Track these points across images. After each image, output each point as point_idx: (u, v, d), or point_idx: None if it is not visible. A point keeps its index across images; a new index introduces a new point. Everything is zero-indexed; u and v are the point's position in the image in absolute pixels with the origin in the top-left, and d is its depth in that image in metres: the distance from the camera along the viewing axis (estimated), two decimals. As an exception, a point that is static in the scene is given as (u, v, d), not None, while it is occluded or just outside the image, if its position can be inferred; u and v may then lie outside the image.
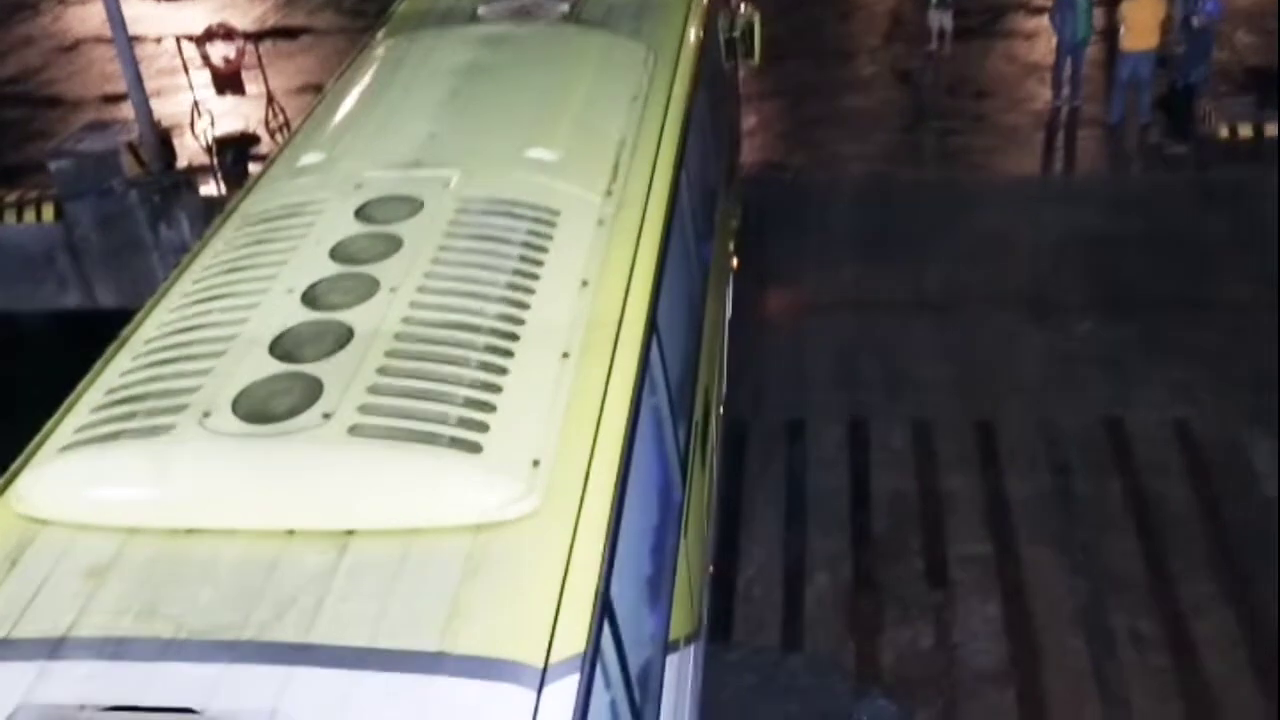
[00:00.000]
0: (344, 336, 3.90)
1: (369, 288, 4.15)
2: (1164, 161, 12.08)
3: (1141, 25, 11.89)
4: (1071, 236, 10.63)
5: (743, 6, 9.13)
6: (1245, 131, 12.11)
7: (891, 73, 14.50)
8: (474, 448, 3.49)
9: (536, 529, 3.39)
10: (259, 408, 3.61)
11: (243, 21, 16.68)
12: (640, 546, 4.15)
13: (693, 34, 6.97)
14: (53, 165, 11.63)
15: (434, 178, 4.85)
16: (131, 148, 11.72)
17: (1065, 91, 12.95)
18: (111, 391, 3.90)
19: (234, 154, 12.47)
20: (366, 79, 6.20)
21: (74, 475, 3.63)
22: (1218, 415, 8.34)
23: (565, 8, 6.78)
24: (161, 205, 11.73)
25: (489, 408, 3.64)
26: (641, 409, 4.05)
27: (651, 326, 4.39)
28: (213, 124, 13.16)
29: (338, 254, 4.40)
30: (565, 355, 3.99)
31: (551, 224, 4.63)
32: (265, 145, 12.93)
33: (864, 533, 7.64)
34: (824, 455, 8.30)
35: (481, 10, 6.88)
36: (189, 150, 12.85)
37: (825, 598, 7.17)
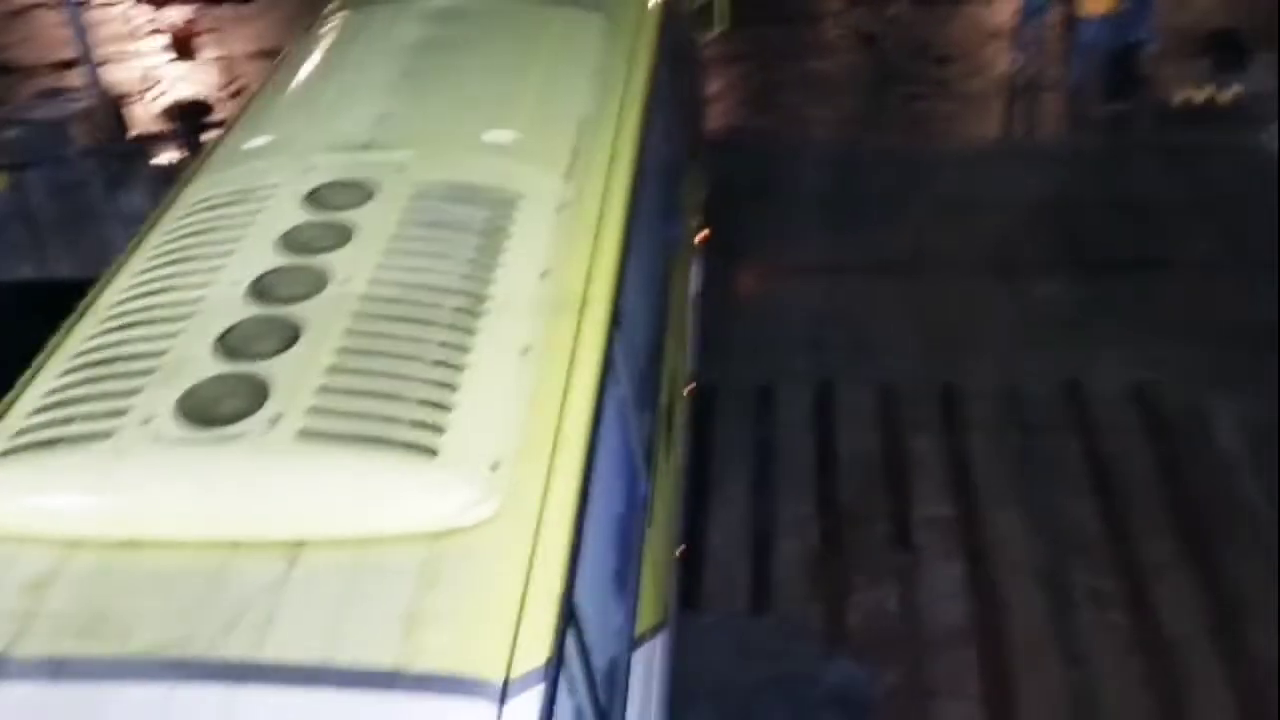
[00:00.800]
0: (292, 333, 3.75)
1: (319, 280, 4.00)
2: (1106, 122, 12.15)
3: (1101, -12, 11.92)
4: (1033, 200, 10.70)
5: None
6: (1202, 95, 12.21)
7: (856, 36, 14.48)
8: (429, 451, 3.37)
9: (496, 535, 3.29)
10: (203, 411, 3.47)
11: (196, -15, 16.34)
12: (604, 545, 4.07)
13: (655, 2, 6.87)
14: (3, 134, 11.40)
15: (387, 161, 4.69)
16: (85, 115, 11.51)
17: (1028, 56, 12.96)
18: (49, 394, 3.74)
19: (190, 121, 12.26)
20: (317, 56, 6.01)
21: (11, 485, 3.48)
22: (1178, 377, 8.46)
23: None
24: (116, 173, 11.54)
25: (445, 408, 3.52)
26: (605, 402, 3.97)
27: (614, 315, 4.29)
28: (166, 91, 12.93)
29: (286, 244, 4.23)
30: (525, 350, 3.87)
31: (509, 210, 4.49)
32: (220, 112, 12.73)
33: (830, 497, 7.71)
34: (791, 419, 8.35)
35: None
36: (143, 118, 12.62)
37: (792, 561, 7.23)
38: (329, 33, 6.31)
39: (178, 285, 4.11)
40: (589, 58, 5.83)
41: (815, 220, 10.59)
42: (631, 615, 4.36)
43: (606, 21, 6.25)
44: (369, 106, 5.16)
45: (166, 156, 11.83)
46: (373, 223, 4.29)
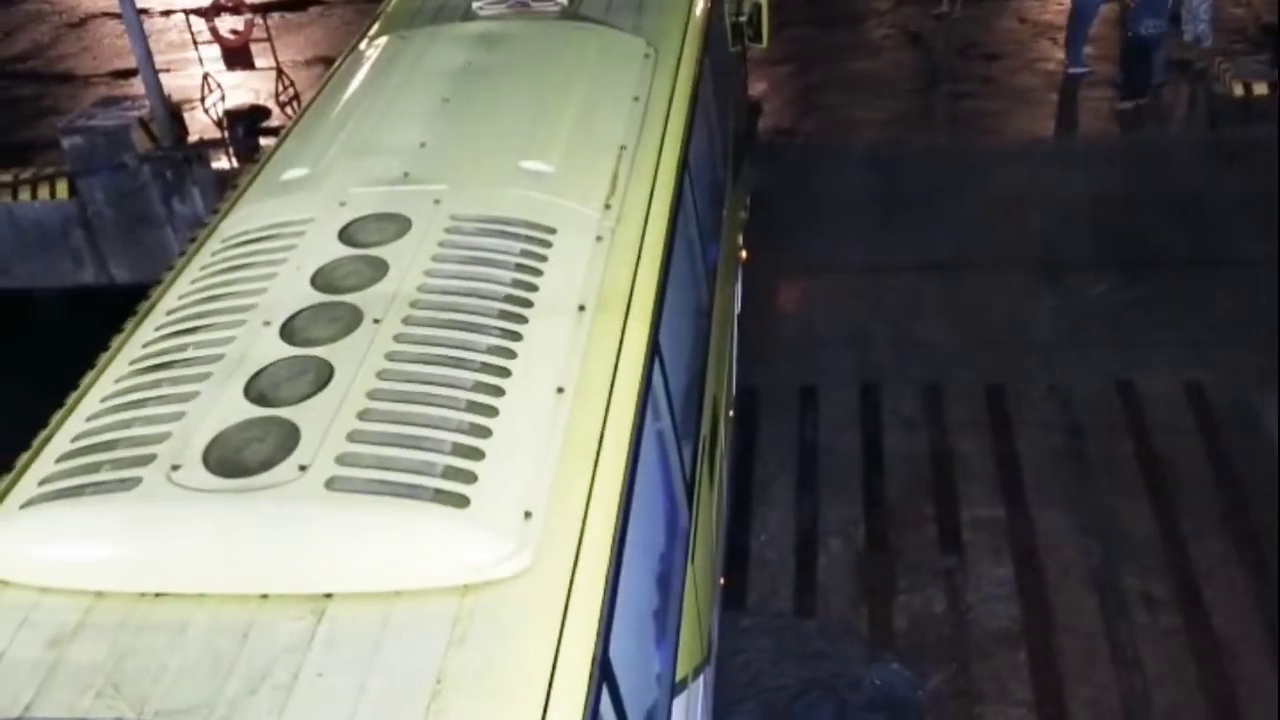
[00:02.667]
0: (323, 376, 3.66)
1: (351, 319, 3.91)
2: (1158, 117, 11.96)
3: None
4: (1083, 198, 10.58)
5: None
6: (1260, 89, 12.00)
7: (902, 35, 14.39)
8: (461, 501, 3.25)
9: (529, 588, 3.17)
10: (232, 458, 3.39)
11: (250, -6, 16.64)
12: (643, 592, 3.95)
13: (696, 23, 6.68)
14: (65, 141, 11.69)
15: (423, 193, 4.60)
16: (143, 123, 11.77)
17: (1084, 54, 12.73)
18: (78, 438, 3.66)
19: (245, 127, 12.48)
20: (355, 83, 5.92)
21: (36, 534, 3.40)
22: (1231, 376, 8.33)
23: (564, 1, 6.51)
24: (174, 180, 11.79)
25: (477, 454, 3.40)
26: (643, 441, 3.85)
27: (654, 349, 4.17)
28: (223, 98, 13.17)
29: (319, 281, 4.14)
30: (560, 390, 3.73)
31: (547, 243, 4.36)
32: (276, 118, 12.94)
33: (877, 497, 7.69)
34: (836, 420, 8.34)
35: (477, 5, 6.59)
36: (200, 124, 12.87)
37: (838, 563, 7.23)
38: (367, 59, 6.20)
39: (209, 325, 4.05)
40: (630, 82, 5.69)
41: (860, 221, 10.55)
42: (672, 661, 4.24)
43: (648, 45, 6.10)
44: (406, 135, 5.09)
45: (224, 161, 12.04)
46: (407, 258, 4.19)
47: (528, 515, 3.29)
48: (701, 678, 4.95)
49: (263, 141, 12.27)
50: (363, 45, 6.52)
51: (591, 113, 5.35)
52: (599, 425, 3.68)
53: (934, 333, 9.10)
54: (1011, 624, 6.74)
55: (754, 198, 9.48)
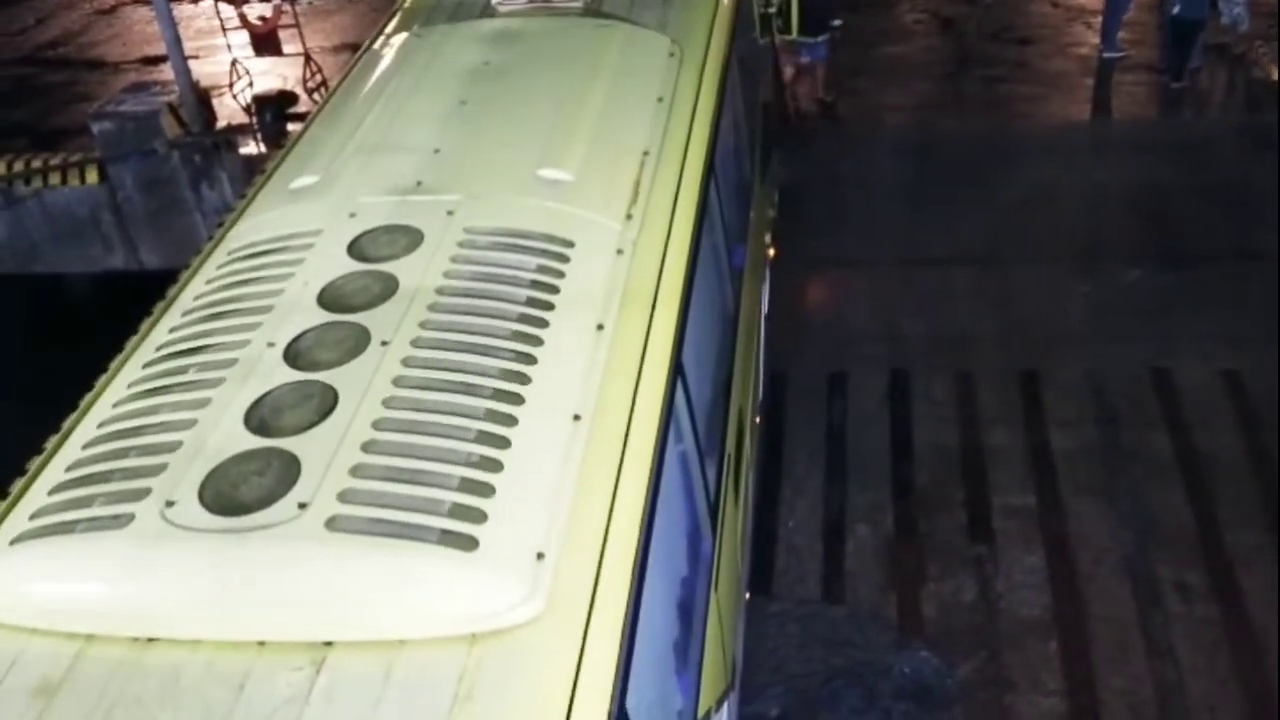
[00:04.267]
0: (327, 403, 3.49)
1: (359, 341, 3.73)
2: (1196, 103, 11.77)
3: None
4: (1119, 185, 10.43)
5: None
6: (1298, 73, 11.81)
7: (934, 20, 14.24)
8: (469, 543, 3.07)
9: (540, 636, 2.99)
10: (229, 494, 3.23)
11: (279, -20, 16.67)
12: (663, 630, 3.78)
13: (724, 17, 6.47)
14: (95, 127, 11.74)
15: (436, 204, 4.40)
16: (172, 109, 11.80)
17: (1119, 38, 12.54)
18: (72, 467, 3.50)
19: (273, 113, 12.51)
20: (369, 84, 5.70)
21: (26, 572, 3.24)
22: (1268, 366, 8.20)
23: None
24: (203, 165, 11.82)
25: (487, 490, 3.22)
26: (665, 467, 3.67)
27: (676, 370, 3.97)
28: (251, 84, 13.21)
29: (326, 299, 3.97)
30: (576, 418, 3.55)
31: (564, 258, 4.16)
32: (304, 104, 12.97)
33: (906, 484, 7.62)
34: (866, 407, 8.27)
35: (496, 1, 6.36)
36: (228, 110, 12.92)
37: (867, 549, 7.17)
38: (383, 58, 6.01)
39: (212, 345, 3.87)
40: (654, 82, 5.46)
41: (890, 207, 10.45)
42: (695, 695, 4.04)
43: (673, 43, 5.87)
44: (421, 140, 4.89)
45: (252, 147, 12.08)
46: (418, 274, 4.02)
47: (540, 557, 3.11)
48: (725, 705, 4.76)
49: (290, 127, 12.29)
50: (378, 43, 6.33)
51: (613, 115, 5.13)
52: (617, 455, 3.49)
53: (967, 319, 9.00)
54: (1043, 612, 6.66)
55: (782, 187, 9.39)
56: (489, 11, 6.32)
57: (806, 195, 10.31)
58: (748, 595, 6.02)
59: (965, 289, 9.35)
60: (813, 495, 7.57)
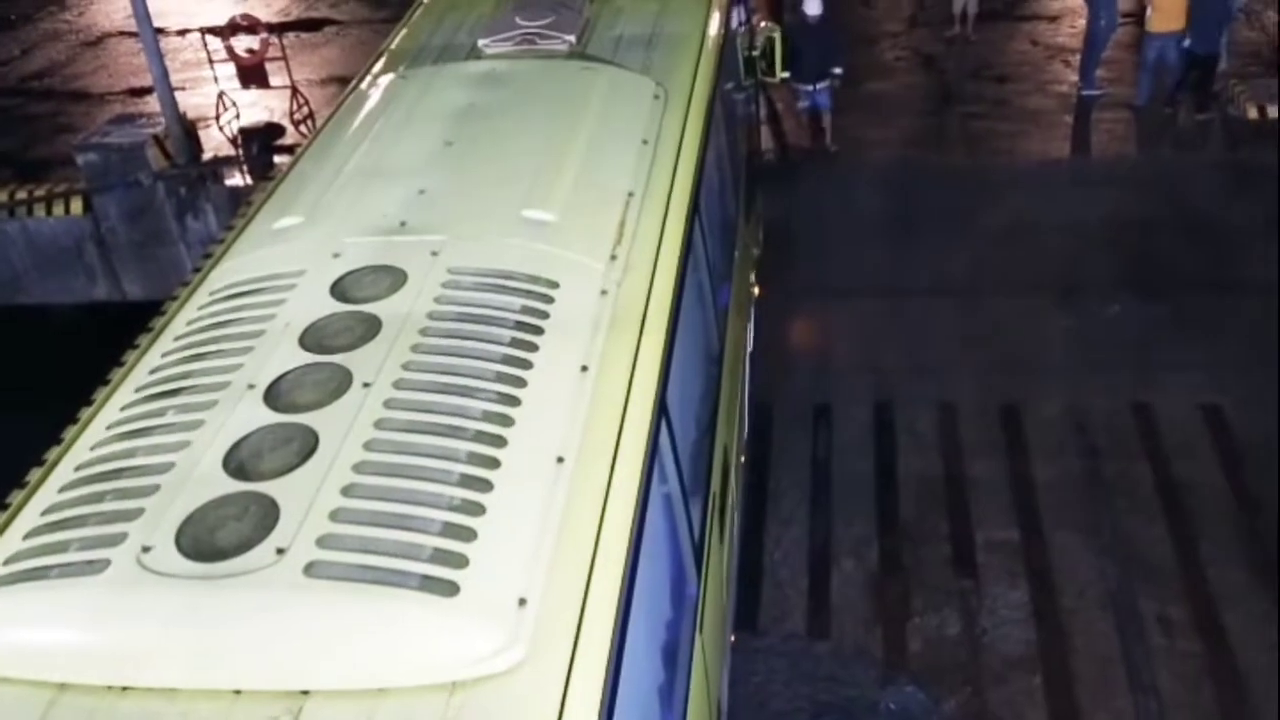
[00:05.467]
0: (308, 446, 3.44)
1: (340, 383, 3.69)
2: (1173, 139, 11.96)
3: (1168, 7, 11.74)
4: (1098, 219, 10.54)
5: (763, 22, 8.89)
6: (1274, 112, 11.97)
7: (915, 57, 14.41)
8: (449, 589, 3.02)
9: (522, 684, 2.94)
10: (206, 539, 3.17)
11: (266, 14, 16.77)
12: (647, 674, 3.74)
13: (708, 60, 6.49)
14: (80, 159, 11.76)
15: (420, 244, 4.38)
16: (158, 140, 11.84)
17: (1097, 76, 12.72)
18: (48, 511, 3.44)
19: (259, 144, 12.53)
20: (354, 124, 5.68)
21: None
22: (1249, 400, 8.27)
23: (572, 39, 6.32)
24: (188, 197, 11.85)
25: (469, 534, 3.17)
26: (649, 510, 3.64)
27: (660, 410, 3.96)
28: (238, 116, 13.24)
29: (308, 340, 3.93)
30: (560, 460, 3.51)
31: (549, 299, 4.14)
32: (290, 137, 13.00)
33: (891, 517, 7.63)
34: (849, 439, 8.29)
35: (482, 42, 6.40)
36: (214, 142, 12.93)
37: (852, 583, 7.17)
38: (368, 99, 6.00)
39: (191, 387, 3.83)
40: (639, 124, 5.49)
41: (873, 241, 10.53)
42: None
43: (658, 85, 5.89)
44: (406, 181, 4.87)
45: (238, 179, 12.09)
46: (401, 315, 3.99)
47: (522, 603, 3.06)
48: None
49: (277, 160, 12.32)
50: (364, 84, 6.33)
51: (598, 157, 5.15)
52: (601, 497, 3.45)
53: (946, 353, 9.06)
54: (1027, 647, 6.67)
55: (767, 221, 9.45)
56: (475, 53, 6.36)
57: (791, 229, 10.39)
58: (732, 638, 5.96)
59: (947, 322, 9.42)
60: (798, 528, 7.58)
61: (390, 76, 6.21)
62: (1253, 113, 12.03)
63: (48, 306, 12.36)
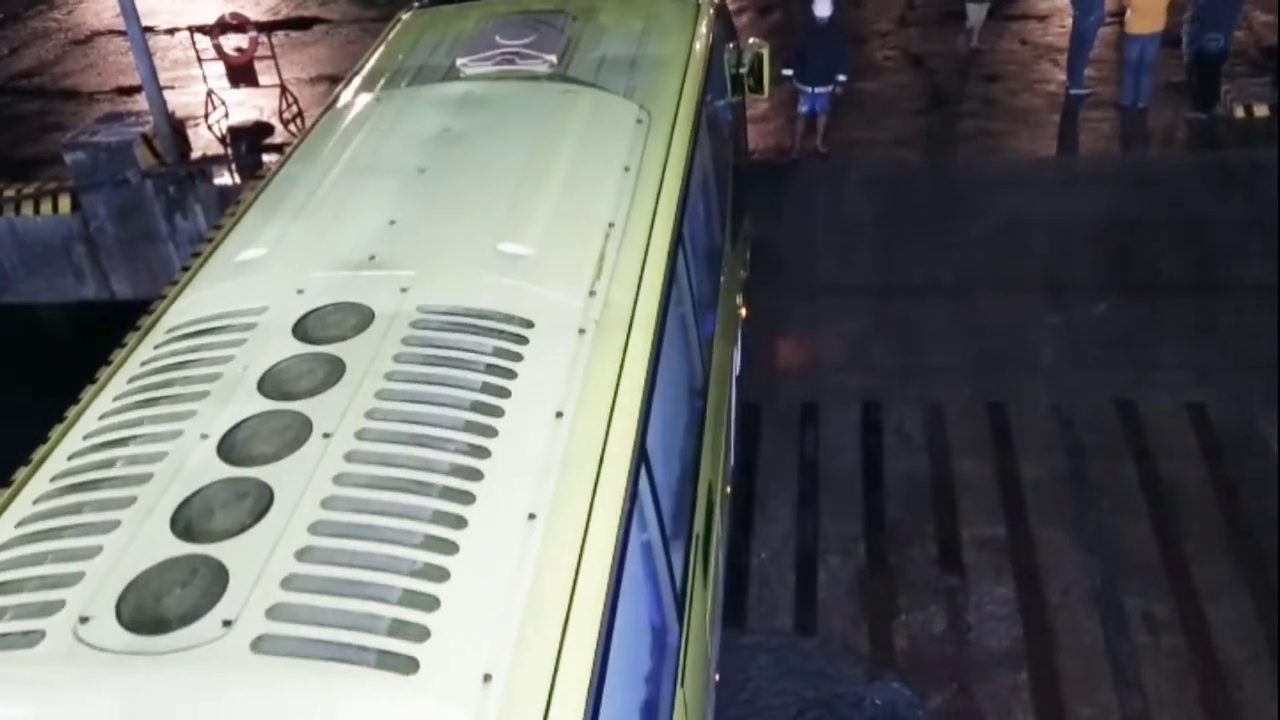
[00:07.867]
0: (261, 504, 3.24)
1: (299, 433, 3.49)
2: (1158, 138, 12.00)
3: (1148, 8, 11.79)
4: (1085, 218, 10.59)
5: (751, 39, 8.80)
6: (1260, 111, 12.03)
7: (904, 56, 14.45)
8: (408, 665, 2.81)
9: None
10: (149, 608, 2.96)
11: (255, 13, 16.75)
12: None
13: (693, 81, 6.26)
14: (69, 157, 11.74)
15: (389, 279, 4.16)
16: (146, 139, 11.82)
17: (1084, 75, 12.76)
18: None
19: (248, 143, 12.53)
20: (324, 150, 5.42)
21: None
22: (1233, 398, 8.31)
23: (553, 59, 6.12)
24: (176, 196, 11.83)
25: (431, 603, 2.96)
26: (626, 566, 3.43)
27: (640, 456, 3.75)
28: (227, 115, 13.22)
29: (267, 386, 3.72)
30: (531, 516, 3.30)
31: (523, 339, 3.94)
32: (279, 135, 12.99)
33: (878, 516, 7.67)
34: (837, 438, 8.32)
35: (461, 62, 6.17)
36: (203, 141, 12.92)
37: (839, 581, 7.20)
38: (341, 122, 5.75)
39: (141, 435, 3.61)
40: (621, 150, 5.25)
41: (862, 240, 10.56)
42: None
43: (641, 107, 5.66)
44: (376, 212, 4.64)
45: (227, 178, 12.08)
46: (365, 358, 3.78)
47: (487, 679, 2.84)
48: None
49: (265, 159, 12.31)
50: (338, 105, 6.09)
51: (578, 185, 4.94)
52: (575, 556, 3.23)
53: (937, 351, 9.09)
54: (1013, 644, 6.70)
55: (754, 224, 9.47)
56: (454, 73, 6.15)
57: (780, 229, 10.41)
58: (716, 677, 5.71)
59: (935, 320, 9.45)
60: (785, 526, 7.60)
61: (366, 97, 6.02)
62: (1239, 112, 12.08)
63: (35, 305, 12.34)
